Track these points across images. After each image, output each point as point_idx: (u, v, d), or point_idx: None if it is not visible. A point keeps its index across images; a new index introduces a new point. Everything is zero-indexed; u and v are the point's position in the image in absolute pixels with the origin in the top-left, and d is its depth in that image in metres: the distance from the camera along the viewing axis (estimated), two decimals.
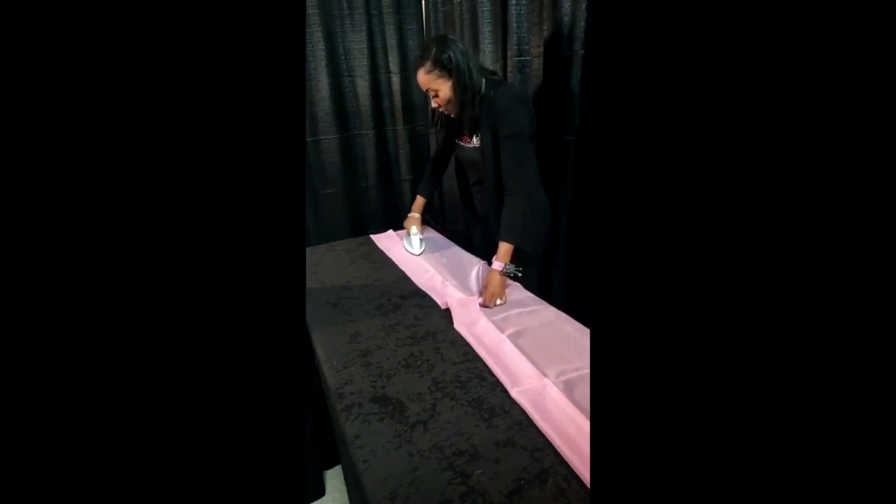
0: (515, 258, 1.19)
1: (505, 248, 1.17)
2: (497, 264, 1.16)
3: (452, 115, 1.27)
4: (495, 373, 0.87)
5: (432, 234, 1.65)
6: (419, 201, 1.58)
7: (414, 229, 1.51)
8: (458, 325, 1.04)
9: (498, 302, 1.14)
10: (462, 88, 1.18)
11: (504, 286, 1.17)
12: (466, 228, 1.86)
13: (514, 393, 0.81)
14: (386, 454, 0.70)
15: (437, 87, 1.20)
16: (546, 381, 0.83)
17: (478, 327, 1.04)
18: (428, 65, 1.17)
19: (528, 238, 1.24)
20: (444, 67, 1.17)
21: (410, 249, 1.50)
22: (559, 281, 1.57)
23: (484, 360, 0.91)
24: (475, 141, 1.30)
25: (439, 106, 1.25)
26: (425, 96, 1.99)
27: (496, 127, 1.20)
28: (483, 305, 1.14)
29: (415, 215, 1.55)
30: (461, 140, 1.36)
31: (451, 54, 1.16)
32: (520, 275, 1.21)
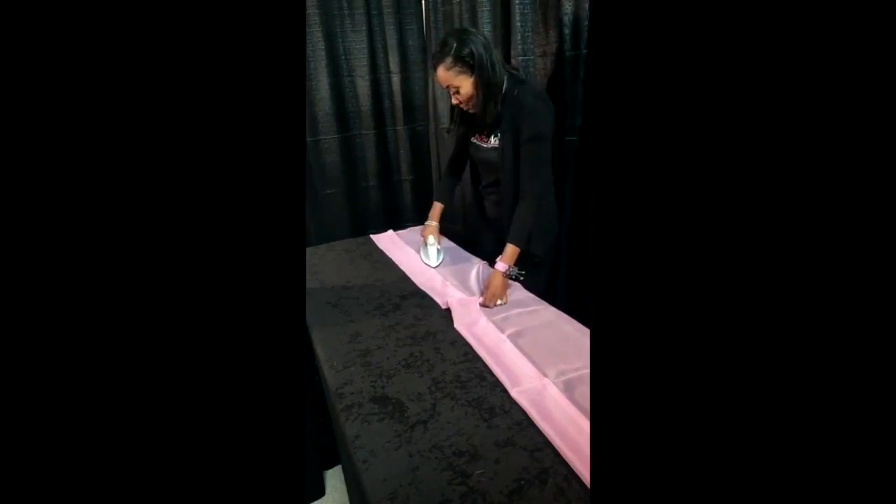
0: (520, 261, 1.19)
1: (511, 251, 1.17)
2: (501, 265, 1.16)
3: (472, 112, 1.22)
4: (495, 373, 0.87)
5: (447, 242, 1.56)
6: (437, 208, 1.48)
7: (431, 239, 1.42)
8: (458, 325, 1.04)
9: (499, 302, 1.13)
10: (485, 84, 1.13)
11: (506, 287, 1.17)
12: (466, 230, 1.85)
13: (514, 393, 0.81)
14: (386, 454, 0.70)
15: (459, 84, 1.15)
16: (546, 381, 0.83)
17: (478, 327, 1.04)
18: (448, 61, 1.12)
19: (536, 243, 1.24)
20: (466, 63, 1.12)
21: (427, 261, 1.40)
22: (560, 281, 1.57)
23: (484, 360, 0.91)
24: (493, 141, 1.26)
25: (460, 103, 1.20)
26: (426, 96, 2.00)
27: (519, 127, 1.16)
28: (483, 305, 1.13)
29: (432, 224, 1.46)
30: (477, 139, 1.32)
31: (473, 48, 1.11)
32: (521, 278, 1.21)
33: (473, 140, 1.33)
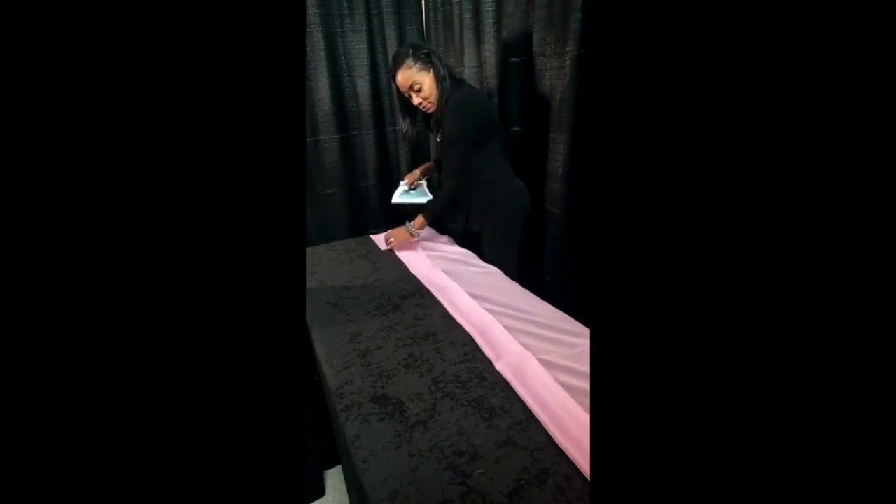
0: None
1: (419, 219, 1.44)
2: (408, 223, 1.46)
3: (431, 110, 1.35)
4: (467, 329, 0.87)
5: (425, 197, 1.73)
6: (427, 164, 1.72)
7: (405, 180, 1.67)
8: (415, 270, 1.24)
9: (391, 240, 1.47)
10: (441, 78, 1.30)
11: (405, 237, 1.46)
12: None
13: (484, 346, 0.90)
14: (386, 454, 0.70)
15: (421, 80, 1.28)
16: (527, 353, 0.86)
17: (433, 277, 1.23)
18: (409, 61, 1.27)
19: (474, 220, 1.52)
20: (424, 60, 1.27)
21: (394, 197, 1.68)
22: (559, 281, 1.57)
23: (441, 301, 1.00)
24: (439, 136, 1.44)
25: (422, 101, 1.32)
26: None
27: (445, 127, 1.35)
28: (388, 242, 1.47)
29: (414, 172, 1.69)
30: (435, 136, 1.49)
31: (427, 49, 1.28)
32: (415, 237, 1.46)
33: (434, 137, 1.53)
